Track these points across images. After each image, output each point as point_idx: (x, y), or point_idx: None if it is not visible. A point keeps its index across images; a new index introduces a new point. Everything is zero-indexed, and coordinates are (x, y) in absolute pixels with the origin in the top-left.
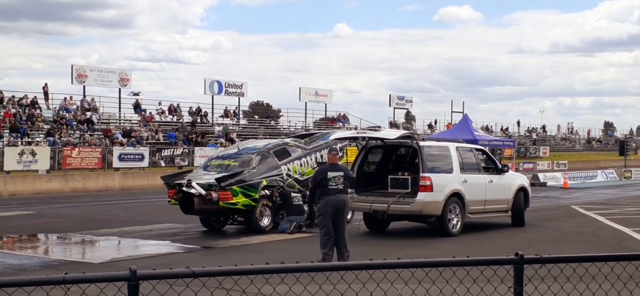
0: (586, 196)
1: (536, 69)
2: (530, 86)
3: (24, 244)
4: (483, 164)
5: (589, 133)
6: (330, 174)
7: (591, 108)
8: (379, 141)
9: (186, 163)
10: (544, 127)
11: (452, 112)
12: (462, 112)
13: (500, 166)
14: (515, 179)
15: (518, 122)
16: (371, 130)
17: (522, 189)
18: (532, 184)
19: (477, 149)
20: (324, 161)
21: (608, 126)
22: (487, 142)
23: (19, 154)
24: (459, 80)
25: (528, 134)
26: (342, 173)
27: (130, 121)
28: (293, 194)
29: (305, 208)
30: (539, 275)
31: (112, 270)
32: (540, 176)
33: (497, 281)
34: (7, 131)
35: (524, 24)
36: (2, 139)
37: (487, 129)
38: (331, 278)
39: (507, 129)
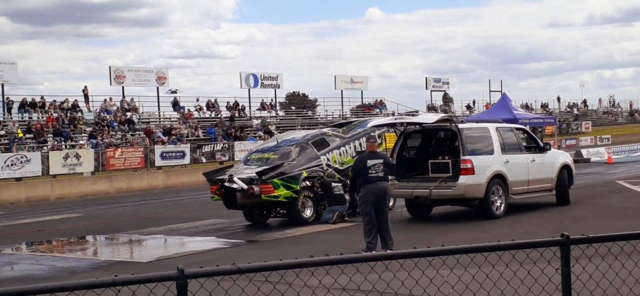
0: (631, 170)
1: (574, 42)
2: (568, 60)
3: (73, 246)
4: (524, 144)
5: (631, 105)
6: (370, 162)
7: (632, 79)
8: (418, 126)
9: (227, 158)
10: (584, 101)
11: (490, 91)
12: (501, 91)
13: (542, 144)
14: (558, 157)
15: (558, 98)
16: (409, 115)
17: (565, 167)
18: (575, 161)
19: (517, 129)
20: (363, 149)
21: None
22: (527, 120)
23: (63, 157)
24: (495, 58)
25: (569, 109)
26: (381, 161)
27: (169, 119)
28: (333, 184)
29: (347, 197)
30: (586, 254)
31: (160, 268)
32: (584, 152)
33: (544, 263)
34: (51, 135)
35: None
36: (46, 144)
37: (526, 107)
38: (376, 267)
39: (547, 105)
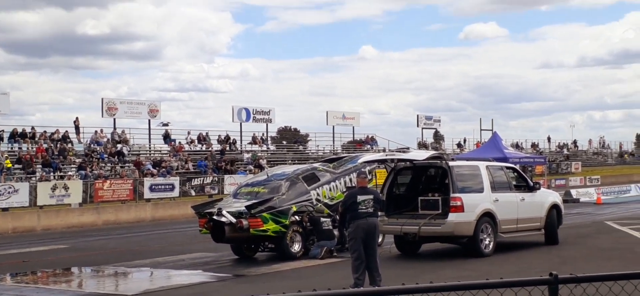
0: (620, 211)
1: (565, 84)
2: (559, 100)
3: (59, 278)
4: (514, 182)
5: (621, 147)
6: (360, 198)
7: (622, 121)
8: (408, 163)
9: (216, 191)
10: (575, 142)
11: (481, 130)
12: (492, 130)
13: (531, 183)
14: (547, 197)
15: (548, 138)
16: (400, 151)
17: (554, 207)
18: (564, 201)
19: (507, 167)
20: (353, 184)
21: None
22: (517, 159)
23: (51, 188)
24: (487, 98)
25: (559, 149)
26: (371, 196)
27: (160, 151)
28: (322, 219)
29: (335, 232)
30: (574, 294)
31: None
32: (573, 192)
33: None
34: (40, 166)
35: (551, 38)
36: (35, 175)
37: (517, 146)
38: None
39: (537, 145)
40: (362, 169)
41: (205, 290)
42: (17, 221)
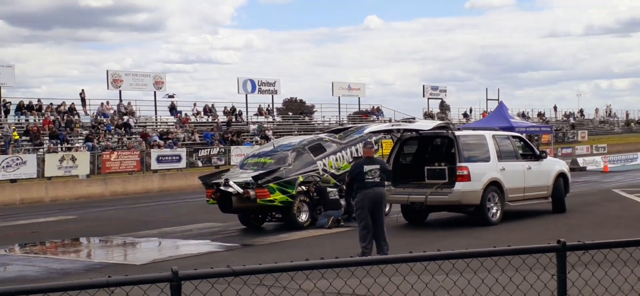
0: (627, 179)
1: (571, 53)
2: (566, 70)
3: (67, 248)
4: (521, 151)
5: (627, 115)
6: (367, 168)
7: (629, 90)
8: (414, 133)
9: (223, 162)
10: (581, 111)
11: (487, 100)
12: (498, 100)
13: (538, 152)
14: (554, 165)
15: (555, 108)
16: (406, 121)
17: (561, 175)
18: (571, 169)
19: (514, 136)
20: (359, 154)
21: None
22: (524, 128)
23: (59, 160)
24: (493, 67)
25: (565, 118)
26: (378, 166)
27: (166, 123)
28: (329, 189)
29: (342, 202)
30: (582, 261)
31: (153, 270)
32: (580, 160)
33: (540, 269)
34: (47, 138)
35: (558, 7)
36: (42, 146)
37: (523, 115)
38: (371, 271)
39: (543, 114)
40: (369, 139)
41: (213, 259)
42: (25, 193)
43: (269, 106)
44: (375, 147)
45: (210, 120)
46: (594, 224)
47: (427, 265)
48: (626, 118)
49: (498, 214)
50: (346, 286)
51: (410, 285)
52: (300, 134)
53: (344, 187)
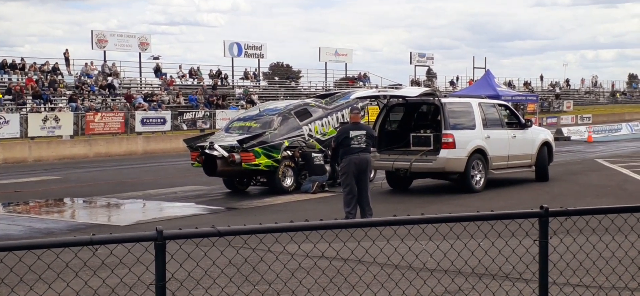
0: (611, 150)
1: (558, 22)
2: (552, 39)
3: (51, 208)
4: (506, 120)
5: (613, 86)
6: (353, 133)
7: (615, 60)
8: (401, 99)
9: (208, 126)
10: (567, 81)
11: (474, 68)
12: (484, 68)
13: (523, 121)
14: (538, 134)
15: (541, 77)
16: (392, 88)
17: (546, 144)
18: (556, 139)
19: (499, 105)
20: (346, 120)
21: (632, 78)
22: (509, 97)
23: (42, 120)
24: (480, 36)
25: (551, 88)
26: (364, 132)
27: (151, 85)
28: (314, 154)
29: (327, 168)
30: (564, 227)
31: (138, 231)
32: (564, 130)
33: (522, 235)
34: (30, 97)
35: None
36: (25, 106)
37: (509, 84)
38: (355, 234)
39: (529, 83)
40: (355, 105)
41: (198, 221)
42: (8, 152)
43: (255, 70)
44: (362, 113)
45: (195, 83)
46: (577, 193)
47: (410, 229)
48: (611, 89)
49: (482, 182)
50: (330, 249)
51: (394, 248)
52: (286, 99)
53: (330, 152)
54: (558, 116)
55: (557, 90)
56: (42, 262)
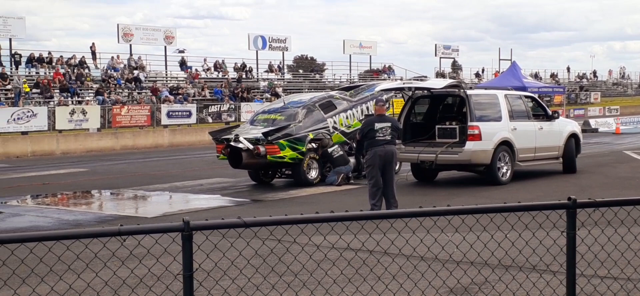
0: (639, 141)
1: (584, 13)
2: (579, 31)
3: (79, 200)
4: (532, 112)
5: None
6: (378, 126)
7: None
8: (426, 91)
9: (233, 119)
10: (594, 72)
11: (499, 60)
12: (510, 60)
13: (550, 112)
14: (566, 126)
15: (568, 69)
16: (417, 80)
17: (573, 136)
18: (583, 131)
19: (526, 96)
20: (371, 113)
21: None
22: (536, 89)
23: (69, 113)
24: (506, 27)
25: (578, 80)
26: (389, 124)
27: (176, 78)
28: (330, 149)
29: (352, 160)
30: (592, 219)
31: (165, 222)
32: (592, 122)
33: (549, 227)
34: (58, 91)
35: None
36: (52, 99)
37: (536, 76)
38: (381, 226)
39: (556, 75)
40: (380, 97)
41: (223, 213)
42: (36, 145)
43: (279, 63)
44: (387, 105)
45: (220, 76)
46: (604, 184)
47: (436, 221)
48: (639, 80)
49: (508, 174)
50: (356, 240)
51: (420, 240)
52: (310, 92)
53: (354, 145)
54: (585, 108)
55: (585, 81)
56: (71, 253)
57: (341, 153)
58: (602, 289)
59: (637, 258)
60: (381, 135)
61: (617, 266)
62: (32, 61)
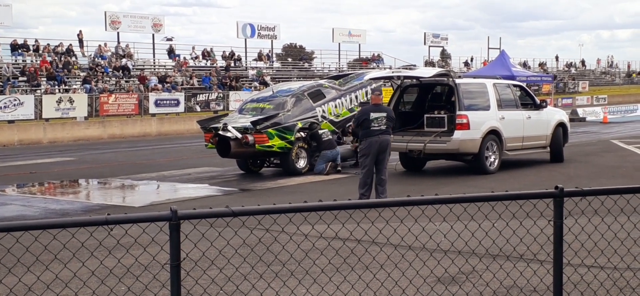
0: (626, 130)
1: (573, 2)
2: (567, 19)
3: (66, 189)
4: (521, 101)
5: (629, 66)
6: (373, 115)
7: (631, 40)
8: (415, 80)
9: (221, 107)
10: (582, 61)
11: (488, 49)
12: (499, 49)
13: (538, 101)
14: (554, 115)
15: (556, 57)
16: (406, 69)
17: (561, 125)
18: (571, 120)
19: (514, 85)
20: (360, 101)
21: None
22: (524, 78)
23: (56, 101)
24: (495, 16)
25: (566, 69)
26: (385, 114)
27: (164, 66)
28: (320, 131)
29: (338, 148)
30: (579, 207)
31: (152, 211)
32: (580, 111)
33: (537, 216)
34: (45, 79)
35: None
36: (39, 88)
37: (524, 65)
38: (369, 215)
39: (545, 64)
40: (377, 86)
41: (211, 203)
42: (23, 134)
43: (268, 51)
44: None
45: (208, 64)
46: (592, 174)
47: (424, 210)
48: (627, 69)
49: (496, 163)
50: (344, 229)
51: (408, 229)
52: (299, 80)
53: (348, 132)
54: (573, 97)
55: (573, 71)
56: (57, 242)
57: (330, 137)
58: (589, 278)
59: (624, 247)
60: (376, 125)
61: (603, 255)
62: (18, 48)
